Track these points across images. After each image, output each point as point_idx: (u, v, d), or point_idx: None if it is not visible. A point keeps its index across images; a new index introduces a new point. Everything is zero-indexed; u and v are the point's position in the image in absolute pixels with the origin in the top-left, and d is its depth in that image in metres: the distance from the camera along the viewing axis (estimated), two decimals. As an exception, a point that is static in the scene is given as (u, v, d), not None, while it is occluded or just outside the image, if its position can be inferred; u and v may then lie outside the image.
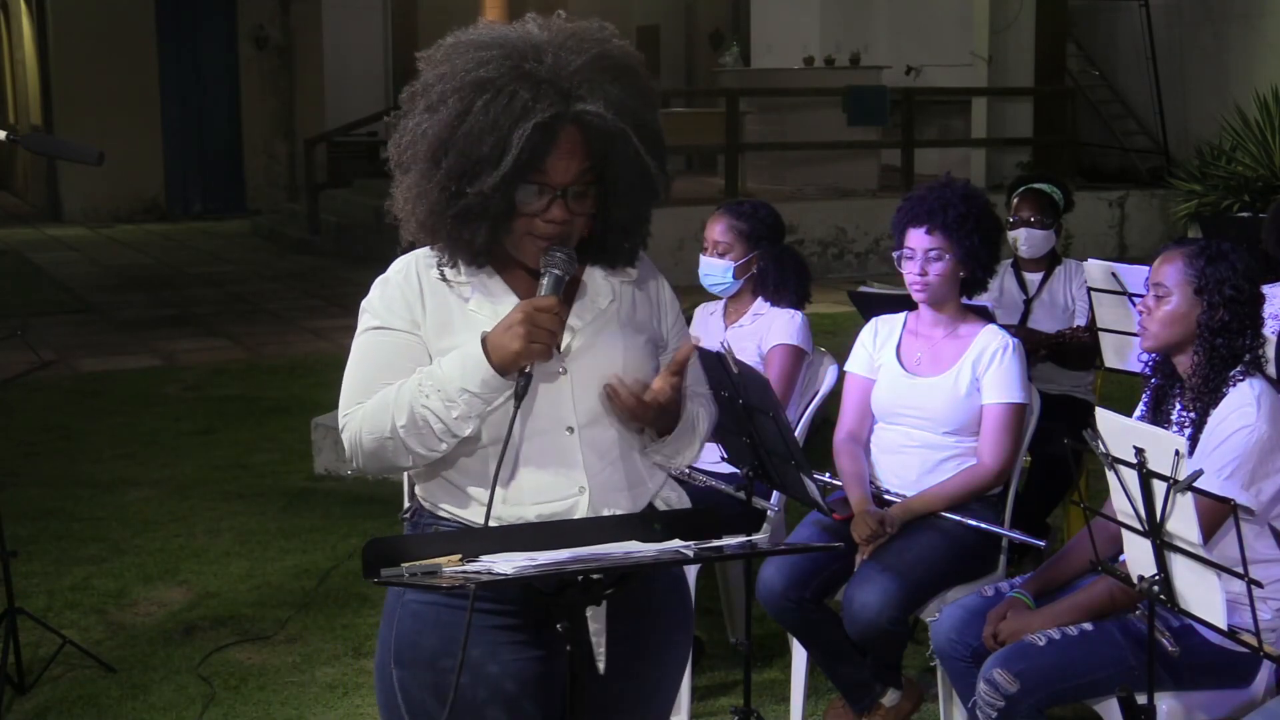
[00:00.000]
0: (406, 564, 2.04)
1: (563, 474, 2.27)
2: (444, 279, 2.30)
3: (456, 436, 2.21)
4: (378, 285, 2.35)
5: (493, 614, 2.26)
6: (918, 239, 3.76)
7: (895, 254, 3.85)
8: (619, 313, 2.35)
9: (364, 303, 2.35)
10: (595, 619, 2.24)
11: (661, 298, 2.45)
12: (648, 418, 2.29)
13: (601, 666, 2.26)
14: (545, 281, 2.21)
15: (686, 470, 4.20)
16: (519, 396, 2.17)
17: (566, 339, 2.29)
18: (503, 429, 2.20)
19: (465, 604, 2.18)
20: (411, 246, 2.34)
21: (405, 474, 2.47)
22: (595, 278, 2.35)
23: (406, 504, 2.42)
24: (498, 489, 2.23)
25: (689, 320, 4.67)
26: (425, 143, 2.19)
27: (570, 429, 2.28)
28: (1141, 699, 2.77)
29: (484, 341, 2.19)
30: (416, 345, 2.28)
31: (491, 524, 2.22)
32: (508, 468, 2.25)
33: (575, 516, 2.26)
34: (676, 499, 2.43)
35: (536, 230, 2.22)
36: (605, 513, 2.27)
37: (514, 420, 2.19)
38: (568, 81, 2.17)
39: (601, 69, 2.20)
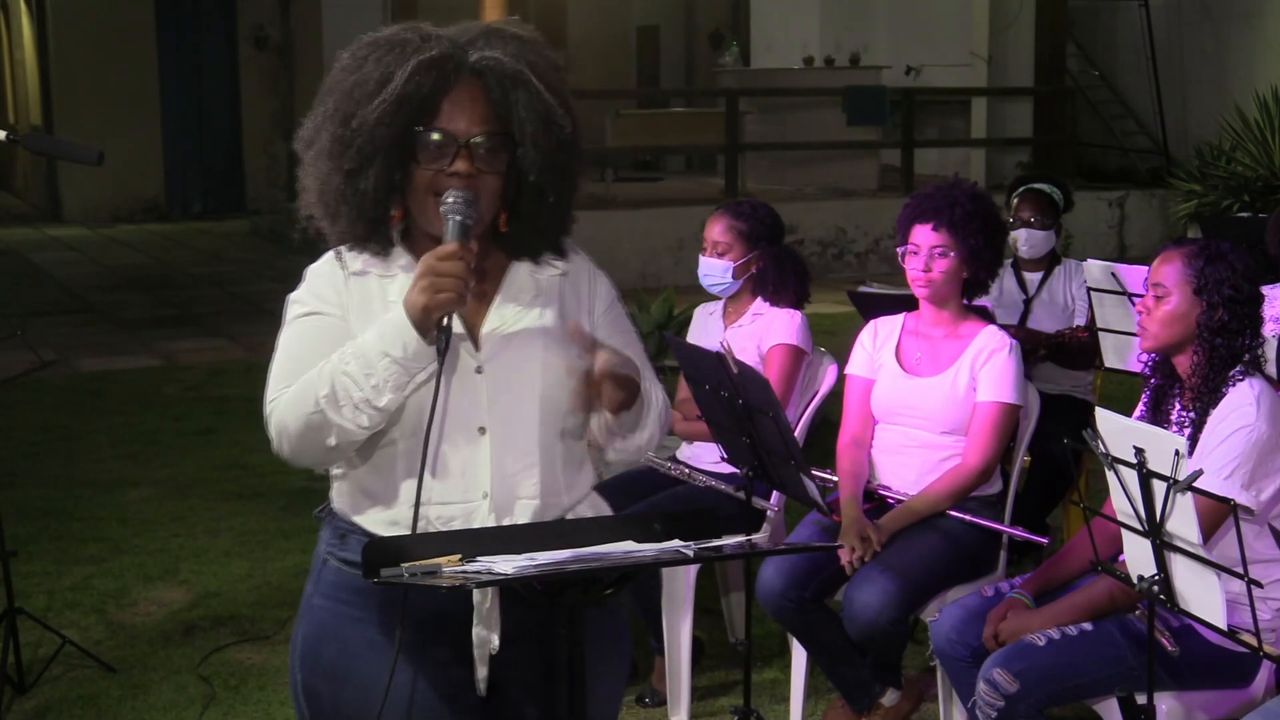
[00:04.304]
0: (406, 564, 2.03)
1: (468, 477, 2.19)
2: (341, 264, 2.25)
3: (376, 409, 2.11)
4: (304, 277, 2.31)
5: (386, 623, 2.21)
6: (923, 235, 3.76)
7: (900, 250, 3.84)
8: (543, 312, 2.27)
9: (290, 296, 2.30)
10: (483, 643, 2.21)
11: (594, 289, 2.35)
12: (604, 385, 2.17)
13: (482, 689, 2.22)
14: (447, 229, 2.12)
15: (686, 470, 4.21)
16: (441, 352, 2.09)
17: (486, 328, 2.23)
18: (419, 423, 2.14)
19: (364, 615, 2.21)
20: (311, 236, 2.29)
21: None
22: (519, 274, 2.28)
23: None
24: (405, 487, 2.18)
25: (688, 322, 4.66)
26: (322, 110, 2.18)
27: (481, 429, 2.20)
28: (1141, 699, 2.77)
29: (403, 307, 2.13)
30: (345, 328, 2.21)
31: (400, 530, 2.17)
32: (415, 466, 2.15)
33: (475, 522, 2.19)
34: (591, 514, 2.32)
35: (440, 186, 2.14)
36: (506, 522, 2.20)
37: (439, 378, 2.11)
38: (462, 38, 2.19)
39: (496, 35, 2.20)
